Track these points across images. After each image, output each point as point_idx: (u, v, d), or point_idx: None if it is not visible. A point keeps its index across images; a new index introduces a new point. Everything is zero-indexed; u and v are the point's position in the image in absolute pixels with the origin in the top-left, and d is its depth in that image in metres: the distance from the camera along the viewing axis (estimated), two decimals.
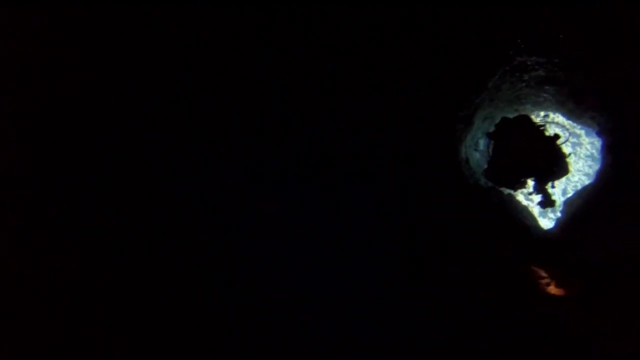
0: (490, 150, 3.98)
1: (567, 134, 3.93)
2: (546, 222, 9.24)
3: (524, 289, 3.36)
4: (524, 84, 4.78)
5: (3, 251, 2.20)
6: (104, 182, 2.55)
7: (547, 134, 3.75)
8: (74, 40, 2.45)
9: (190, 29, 2.74)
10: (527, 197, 8.56)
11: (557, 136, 3.78)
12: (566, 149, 3.72)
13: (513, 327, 2.76)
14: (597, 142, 12.62)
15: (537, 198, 4.19)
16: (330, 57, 3.28)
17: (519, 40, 3.53)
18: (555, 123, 12.03)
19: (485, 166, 4.39)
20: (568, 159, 3.78)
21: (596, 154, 12.34)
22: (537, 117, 10.01)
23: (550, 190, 4.07)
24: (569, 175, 6.26)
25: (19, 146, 2.31)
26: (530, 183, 4.16)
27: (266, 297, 2.90)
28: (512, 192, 5.22)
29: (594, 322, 2.38)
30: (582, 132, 12.01)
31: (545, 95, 5.09)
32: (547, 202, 4.07)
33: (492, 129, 4.06)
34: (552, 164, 3.72)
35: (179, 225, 2.81)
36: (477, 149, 6.35)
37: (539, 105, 5.72)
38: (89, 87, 2.53)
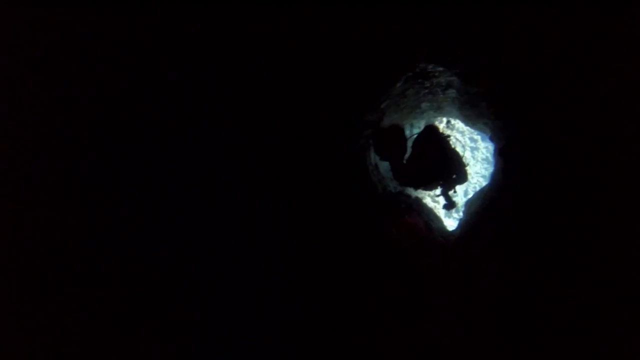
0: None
1: (463, 149, 4.28)
2: (451, 222, 9.91)
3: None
4: (426, 91, 4.96)
5: (3, 251, 2.20)
6: (103, 182, 2.53)
7: (451, 145, 4.20)
8: (75, 39, 2.36)
9: (190, 29, 2.65)
10: (433, 200, 9.09)
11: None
12: (466, 160, 4.26)
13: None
14: (491, 147, 14.03)
15: (443, 200, 4.62)
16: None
17: (419, 48, 3.59)
18: (456, 129, 13.09)
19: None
20: (467, 168, 4.24)
21: (490, 157, 13.69)
22: (440, 123, 10.75)
23: (451, 194, 4.48)
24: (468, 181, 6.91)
25: (18, 146, 2.27)
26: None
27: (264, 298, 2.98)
28: (418, 195, 5.42)
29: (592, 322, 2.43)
30: (479, 137, 13.24)
31: (446, 102, 5.36)
32: (449, 205, 4.52)
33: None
34: (454, 171, 4.15)
35: (178, 225, 2.83)
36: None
37: (441, 112, 6.03)
38: (89, 87, 2.46)
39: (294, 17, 2.99)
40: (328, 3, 2.96)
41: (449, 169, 4.05)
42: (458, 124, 11.55)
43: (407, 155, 4.31)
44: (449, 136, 4.18)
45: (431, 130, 4.14)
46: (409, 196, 5.27)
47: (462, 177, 4.11)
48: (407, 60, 3.88)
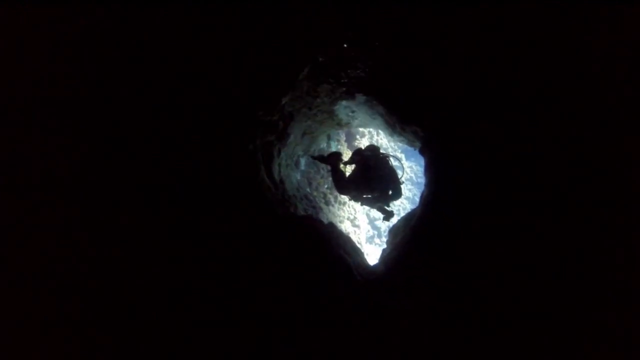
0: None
1: (402, 171, 4.91)
2: (373, 248, 9.00)
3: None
4: (344, 89, 3.92)
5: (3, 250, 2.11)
6: (102, 181, 2.36)
7: (390, 164, 4.44)
8: (75, 39, 2.20)
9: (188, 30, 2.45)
10: (354, 224, 8.08)
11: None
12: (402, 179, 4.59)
13: None
14: (415, 167, 13.76)
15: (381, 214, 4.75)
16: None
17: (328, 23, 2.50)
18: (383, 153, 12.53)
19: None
20: (402, 186, 4.53)
21: (415, 177, 13.34)
22: (363, 137, 9.97)
23: (386, 208, 4.65)
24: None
25: (18, 145, 2.16)
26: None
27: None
28: (333, 221, 4.39)
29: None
30: (402, 155, 12.81)
31: (368, 107, 4.38)
32: (387, 216, 4.63)
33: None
34: (391, 188, 4.42)
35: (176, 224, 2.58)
36: (297, 168, 5.34)
37: (364, 121, 5.06)
38: (88, 87, 2.29)
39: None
40: None
41: (386, 184, 4.37)
42: (382, 139, 10.93)
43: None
44: (387, 156, 4.47)
45: (372, 148, 4.48)
46: (321, 222, 4.12)
47: (397, 194, 4.45)
48: (312, 37, 2.78)
